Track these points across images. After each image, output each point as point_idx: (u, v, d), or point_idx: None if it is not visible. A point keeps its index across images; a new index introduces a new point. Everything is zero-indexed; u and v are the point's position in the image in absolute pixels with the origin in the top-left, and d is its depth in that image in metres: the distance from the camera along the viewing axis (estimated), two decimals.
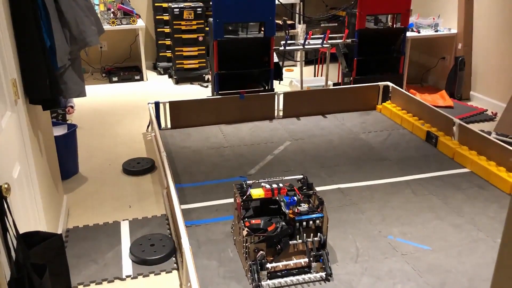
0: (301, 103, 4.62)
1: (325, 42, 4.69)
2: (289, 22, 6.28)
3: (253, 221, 2.40)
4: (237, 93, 4.48)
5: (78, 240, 2.75)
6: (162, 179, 3.33)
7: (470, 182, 3.35)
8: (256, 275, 2.30)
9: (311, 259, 2.39)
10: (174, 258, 2.59)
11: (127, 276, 2.46)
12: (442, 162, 3.66)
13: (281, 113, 4.60)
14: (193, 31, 5.70)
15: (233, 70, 4.57)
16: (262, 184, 2.52)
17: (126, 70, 6.12)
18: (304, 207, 2.41)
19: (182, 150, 3.89)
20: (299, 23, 6.47)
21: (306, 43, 4.67)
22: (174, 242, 2.68)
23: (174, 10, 5.59)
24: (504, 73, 4.74)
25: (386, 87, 4.79)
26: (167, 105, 4.30)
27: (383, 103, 4.77)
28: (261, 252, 2.32)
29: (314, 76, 5.96)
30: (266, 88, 4.72)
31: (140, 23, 5.83)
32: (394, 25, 4.99)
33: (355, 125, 4.42)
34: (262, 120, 4.53)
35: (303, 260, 2.40)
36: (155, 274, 2.48)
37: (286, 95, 4.58)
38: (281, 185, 2.50)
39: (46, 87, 2.11)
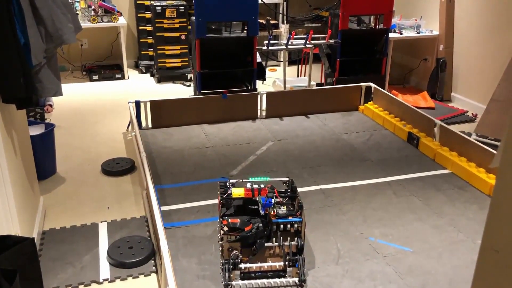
0: (284, 103, 4.60)
1: (308, 42, 4.68)
2: (272, 21, 6.27)
3: (231, 220, 2.36)
4: (219, 92, 4.44)
5: (55, 243, 2.68)
6: (142, 180, 3.28)
7: (450, 183, 3.37)
8: (227, 273, 2.26)
9: (286, 263, 2.34)
10: (153, 261, 2.54)
11: (105, 280, 2.41)
12: (423, 163, 3.68)
13: (264, 113, 4.58)
14: (176, 29, 5.64)
15: (215, 69, 4.53)
16: (247, 184, 2.49)
17: (107, 69, 6.03)
18: (282, 210, 2.38)
19: (163, 150, 3.84)
20: (283, 23, 6.45)
21: (289, 43, 4.65)
22: (153, 244, 2.63)
23: (156, 8, 5.52)
24: (484, 75, 4.80)
25: (369, 88, 4.81)
26: (148, 104, 4.23)
27: (365, 104, 4.79)
28: (235, 251, 2.28)
29: (298, 76, 5.95)
30: (249, 88, 4.69)
31: (122, 21, 5.74)
32: (377, 26, 5.01)
33: (337, 126, 4.42)
34: (245, 120, 4.49)
35: (278, 264, 2.35)
36: (133, 278, 2.43)
37: (269, 95, 4.56)
38: (262, 186, 2.47)
39: (20, 86, 2.04)
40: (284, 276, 2.35)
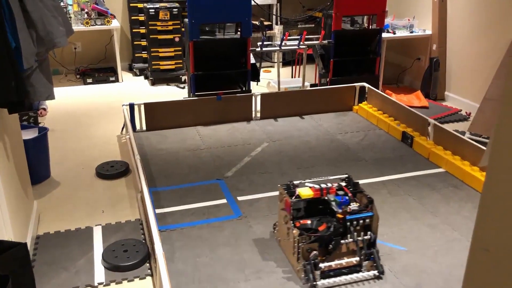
0: (279, 104, 4.60)
1: (301, 43, 4.68)
2: (266, 23, 6.27)
3: (302, 222, 2.40)
4: (214, 94, 4.43)
5: (49, 247, 2.67)
6: (136, 182, 3.26)
7: (445, 182, 3.38)
8: (311, 275, 2.30)
9: (362, 257, 2.39)
10: (148, 264, 2.53)
11: (99, 283, 2.40)
12: (417, 162, 3.69)
13: (258, 114, 4.57)
14: (169, 31, 5.63)
15: (209, 71, 4.52)
16: (307, 184, 2.51)
17: (101, 71, 6.01)
18: (355, 206, 2.43)
19: (157, 153, 3.83)
20: (276, 24, 6.46)
21: (283, 44, 4.65)
22: (148, 247, 2.62)
23: (150, 10, 5.51)
24: (478, 74, 4.82)
25: (362, 88, 4.82)
26: (142, 107, 4.22)
27: (359, 104, 4.79)
28: (314, 252, 2.32)
29: (292, 77, 5.96)
30: (243, 89, 4.69)
31: (115, 24, 5.73)
32: (370, 26, 5.02)
33: (331, 126, 4.42)
34: (239, 122, 4.49)
35: (354, 259, 2.39)
36: (128, 281, 2.42)
37: (264, 96, 4.56)
38: (329, 184, 2.49)
39: (12, 90, 2.03)
40: (361, 271, 2.39)
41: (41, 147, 3.37)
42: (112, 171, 3.53)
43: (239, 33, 4.55)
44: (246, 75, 4.64)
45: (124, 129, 4.28)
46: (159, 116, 4.27)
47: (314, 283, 2.29)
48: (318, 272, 2.32)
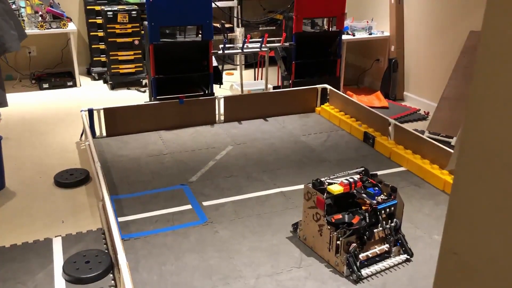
0: (242, 107, 4.58)
1: (263, 45, 4.69)
2: (227, 25, 6.24)
3: (335, 217, 2.47)
4: (176, 98, 4.36)
5: (4, 262, 2.54)
6: (97, 190, 3.17)
7: (406, 181, 3.46)
8: (355, 266, 2.37)
9: (391, 244, 2.51)
10: (111, 275, 2.45)
11: None
12: (379, 162, 3.76)
13: (222, 118, 4.54)
14: (128, 34, 5.52)
15: (171, 74, 4.45)
16: (327, 181, 2.55)
17: (58, 76, 5.82)
18: (383, 196, 2.54)
19: (119, 159, 3.73)
20: (237, 26, 6.44)
21: (245, 46, 4.64)
22: (111, 257, 2.54)
23: (108, 13, 5.38)
24: (434, 74, 4.96)
25: (324, 89, 4.87)
26: (102, 112, 4.11)
27: (321, 105, 4.84)
28: (354, 244, 2.39)
29: (254, 79, 5.96)
30: (206, 92, 4.65)
31: (72, 27, 5.56)
32: (330, 29, 5.09)
33: (295, 128, 4.44)
34: (203, 125, 4.44)
35: (386, 246, 2.51)
36: None
37: (227, 99, 4.53)
38: (356, 178, 2.57)
39: None
40: (390, 257, 2.52)
41: None
42: (71, 180, 3.41)
43: (200, 35, 4.50)
44: (208, 78, 4.60)
45: (83, 136, 4.15)
46: (119, 121, 4.16)
47: (359, 273, 2.37)
48: (357, 263, 2.41)
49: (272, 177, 3.47)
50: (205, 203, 3.10)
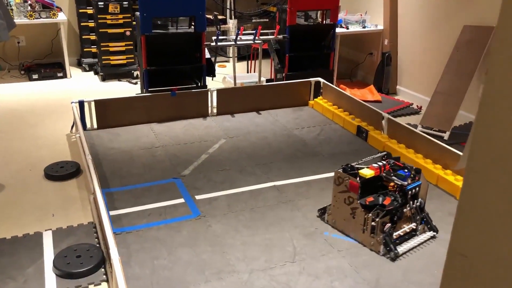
0: (235, 100, 4.54)
1: (257, 38, 4.65)
2: (220, 17, 6.18)
3: (368, 200, 2.59)
4: (168, 90, 4.31)
5: None
6: (88, 183, 3.12)
7: None
8: (392, 245, 2.50)
9: (417, 222, 2.67)
10: (103, 269, 2.42)
11: None
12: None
13: (215, 110, 4.50)
14: (120, 25, 5.44)
15: (163, 66, 4.40)
16: (357, 166, 2.68)
17: (48, 67, 5.72)
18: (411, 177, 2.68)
19: (110, 152, 3.68)
20: (230, 18, 6.38)
21: (238, 38, 4.60)
22: (103, 251, 2.51)
23: (98, 3, 5.29)
24: (428, 68, 4.96)
25: (318, 83, 4.84)
26: (93, 104, 4.05)
27: (315, 99, 4.82)
28: (388, 224, 2.52)
29: (247, 72, 5.92)
30: (199, 84, 4.60)
31: (62, 17, 5.46)
32: (324, 21, 5.05)
33: (288, 121, 4.42)
34: (195, 118, 4.40)
35: (413, 225, 2.66)
36: None
37: (220, 91, 4.49)
38: (384, 162, 2.71)
39: None
40: (416, 235, 2.68)
41: None
42: (62, 172, 3.36)
43: (193, 27, 4.45)
44: (201, 70, 4.55)
45: (74, 128, 4.09)
46: (110, 113, 4.11)
47: (396, 251, 2.50)
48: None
49: (265, 171, 3.45)
50: (197, 197, 3.07)
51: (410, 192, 2.60)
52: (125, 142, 3.86)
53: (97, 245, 2.59)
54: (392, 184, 2.62)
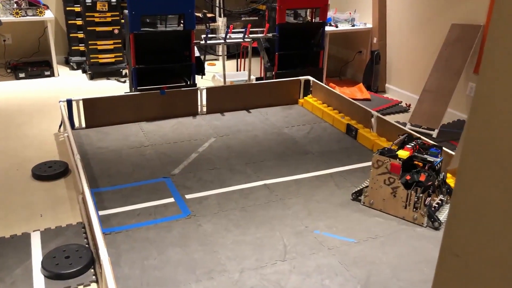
0: (225, 98, 4.53)
1: (246, 36, 4.63)
2: (209, 15, 6.16)
3: (406, 178, 2.82)
4: (157, 88, 4.29)
5: None
6: (77, 183, 3.09)
7: None
8: (435, 216, 2.76)
9: (444, 193, 2.95)
10: (92, 270, 2.40)
11: None
12: (362, 154, 3.77)
13: (204, 109, 4.48)
14: (108, 23, 5.39)
15: (152, 64, 4.37)
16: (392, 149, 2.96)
17: (35, 65, 5.66)
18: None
19: (98, 151, 3.65)
20: (220, 16, 6.36)
21: (228, 37, 4.58)
22: (92, 252, 2.48)
23: (86, 1, 5.24)
24: (416, 66, 4.99)
25: (307, 81, 4.85)
26: (81, 103, 4.01)
27: (304, 97, 4.83)
28: (429, 198, 2.79)
29: (237, 70, 5.90)
30: (188, 83, 4.58)
31: (49, 15, 5.40)
32: (313, 20, 5.06)
33: (278, 120, 4.42)
34: (185, 117, 4.38)
35: (441, 196, 2.94)
36: None
37: (209, 90, 4.47)
38: (414, 143, 3.00)
39: None
40: (444, 205, 2.94)
41: None
42: (50, 172, 3.32)
43: (182, 25, 4.42)
44: (190, 69, 4.53)
45: (62, 127, 4.05)
46: (99, 112, 4.07)
47: (439, 220, 2.75)
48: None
49: (255, 170, 3.45)
50: (188, 196, 3.06)
51: (436, 167, 2.88)
52: (114, 141, 3.83)
53: (86, 245, 2.57)
54: (424, 161, 2.91)
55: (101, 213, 2.83)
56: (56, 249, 2.51)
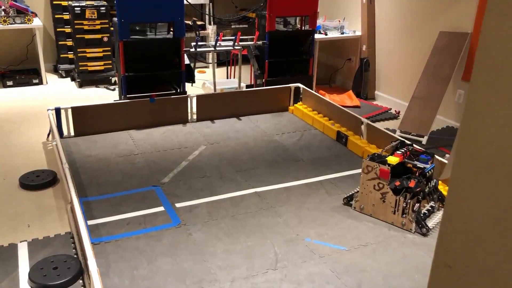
0: (215, 106, 4.52)
1: (236, 44, 4.64)
2: (199, 22, 6.16)
3: (396, 184, 2.83)
4: (147, 96, 4.27)
5: None
6: (65, 192, 3.05)
7: None
8: (423, 222, 2.78)
9: (435, 200, 2.97)
10: (81, 281, 2.37)
11: None
12: (352, 161, 3.77)
13: (194, 117, 4.47)
14: (97, 31, 5.37)
15: (141, 72, 4.35)
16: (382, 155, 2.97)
17: (23, 73, 5.61)
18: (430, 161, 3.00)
19: (87, 160, 3.61)
20: (209, 24, 6.37)
21: (218, 44, 4.58)
22: (81, 262, 2.45)
23: (75, 9, 5.21)
24: (405, 73, 5.03)
25: (297, 88, 4.86)
26: (70, 111, 3.97)
27: (294, 104, 4.83)
28: (417, 204, 2.80)
29: (227, 78, 5.90)
30: (178, 90, 4.56)
31: (37, 22, 5.36)
32: (303, 27, 5.08)
33: (269, 127, 4.42)
34: (175, 124, 4.36)
35: (432, 203, 2.95)
36: None
37: (199, 97, 4.46)
38: (405, 149, 3.03)
39: None
40: (435, 211, 2.96)
41: None
42: (38, 181, 3.28)
43: (171, 33, 4.42)
44: (180, 76, 4.52)
45: (50, 135, 4.00)
46: (88, 120, 4.04)
47: (428, 227, 2.76)
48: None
49: (246, 177, 3.43)
50: (178, 205, 3.03)
51: (427, 174, 2.89)
52: (103, 150, 3.79)
53: (75, 256, 2.53)
54: (415, 168, 2.94)
55: (90, 222, 2.79)
56: (43, 260, 2.47)
